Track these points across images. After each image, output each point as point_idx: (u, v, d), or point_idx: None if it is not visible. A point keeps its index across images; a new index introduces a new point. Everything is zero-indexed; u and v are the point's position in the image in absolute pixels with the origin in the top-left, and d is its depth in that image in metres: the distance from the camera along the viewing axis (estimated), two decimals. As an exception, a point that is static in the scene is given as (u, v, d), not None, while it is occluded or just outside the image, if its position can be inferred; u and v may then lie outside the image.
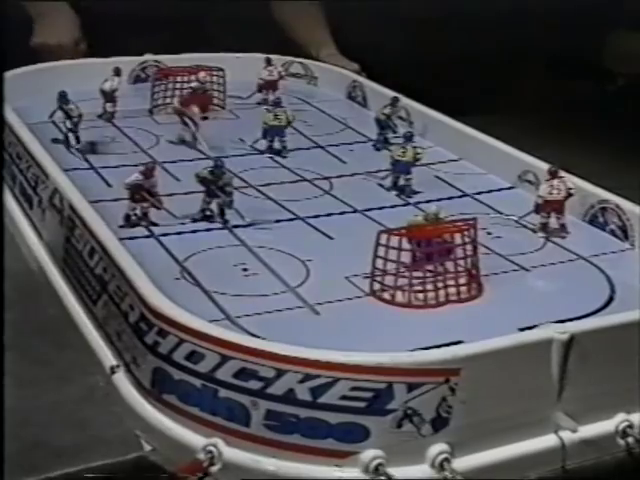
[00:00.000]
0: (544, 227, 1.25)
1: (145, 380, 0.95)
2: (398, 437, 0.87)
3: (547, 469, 0.93)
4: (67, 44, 1.98)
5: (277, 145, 1.49)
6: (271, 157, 1.48)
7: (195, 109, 1.54)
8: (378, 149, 1.54)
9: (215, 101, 1.71)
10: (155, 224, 1.22)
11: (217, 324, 0.95)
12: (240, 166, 1.40)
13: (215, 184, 1.23)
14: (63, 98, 1.46)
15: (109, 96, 1.61)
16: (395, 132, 1.55)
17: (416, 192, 1.36)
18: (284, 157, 1.48)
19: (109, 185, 1.34)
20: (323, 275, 1.12)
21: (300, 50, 2.08)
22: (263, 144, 1.50)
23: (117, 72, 1.61)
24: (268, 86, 1.76)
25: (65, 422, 0.95)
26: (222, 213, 1.24)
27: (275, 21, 2.19)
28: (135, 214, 1.22)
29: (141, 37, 1.93)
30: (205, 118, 1.61)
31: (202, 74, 1.64)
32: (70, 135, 1.46)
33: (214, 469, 0.88)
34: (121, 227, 1.20)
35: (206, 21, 2.17)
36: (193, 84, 1.63)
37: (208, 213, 1.24)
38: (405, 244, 1.08)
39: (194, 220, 1.24)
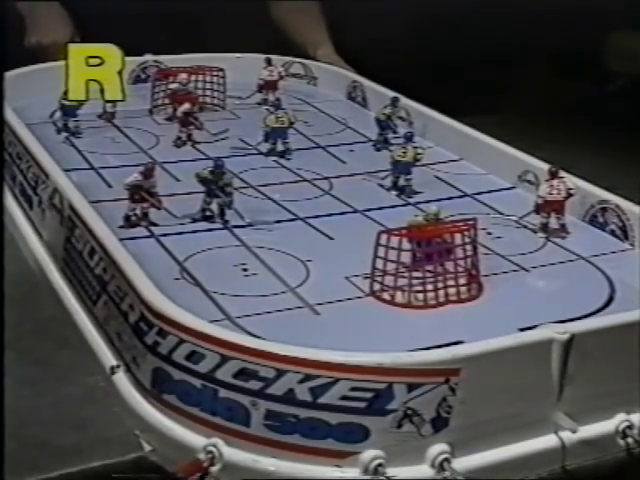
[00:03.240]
0: (544, 227, 1.25)
1: (145, 380, 0.95)
2: (398, 437, 0.87)
3: (547, 469, 0.93)
4: (61, 42, 1.98)
5: (280, 147, 1.49)
6: (275, 160, 1.48)
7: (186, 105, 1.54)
8: (378, 149, 1.53)
9: (215, 101, 1.71)
10: (155, 224, 1.22)
11: (217, 324, 0.95)
12: (240, 167, 1.40)
13: (215, 184, 1.23)
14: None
15: None
16: (395, 132, 1.54)
17: (416, 192, 1.36)
18: (288, 159, 1.48)
19: (109, 185, 1.34)
20: (323, 275, 1.13)
21: (298, 49, 2.08)
22: (266, 146, 1.50)
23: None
24: (268, 86, 1.76)
25: (65, 422, 0.95)
26: (222, 213, 1.24)
27: (273, 20, 2.18)
28: (135, 214, 1.22)
29: (140, 37, 1.92)
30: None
31: (183, 76, 1.64)
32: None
33: (214, 469, 0.88)
34: (121, 227, 1.20)
35: (205, 21, 2.16)
36: (173, 85, 1.63)
37: (208, 213, 1.24)
38: (405, 244, 1.08)
39: (194, 220, 1.24)
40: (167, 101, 1.66)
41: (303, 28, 2.17)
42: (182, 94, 1.62)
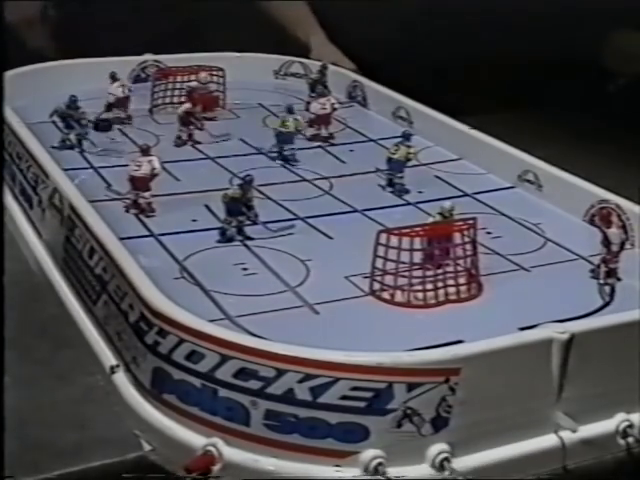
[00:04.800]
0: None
1: (145, 380, 0.95)
2: (398, 437, 0.87)
3: (547, 469, 0.93)
4: (32, 15, 1.96)
5: (287, 152, 1.46)
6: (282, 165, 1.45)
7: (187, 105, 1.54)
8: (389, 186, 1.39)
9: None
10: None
11: (217, 324, 0.95)
12: (240, 167, 1.40)
13: (240, 201, 1.19)
14: (73, 103, 1.46)
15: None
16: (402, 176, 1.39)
17: (407, 191, 1.36)
18: (293, 164, 1.46)
19: (109, 185, 1.34)
20: (323, 275, 1.12)
21: (293, 42, 2.05)
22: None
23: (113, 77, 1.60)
24: (320, 121, 1.58)
25: (65, 422, 0.95)
26: (240, 230, 1.20)
27: (261, 13, 2.15)
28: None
29: (139, 36, 1.92)
30: (210, 119, 1.61)
31: (203, 74, 1.64)
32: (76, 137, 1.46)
33: (214, 469, 0.88)
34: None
35: (205, 20, 2.16)
36: (192, 83, 1.63)
37: (229, 233, 1.20)
38: (408, 244, 1.08)
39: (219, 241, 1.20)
40: (184, 99, 1.64)
41: (290, 18, 2.12)
42: (202, 92, 1.62)
